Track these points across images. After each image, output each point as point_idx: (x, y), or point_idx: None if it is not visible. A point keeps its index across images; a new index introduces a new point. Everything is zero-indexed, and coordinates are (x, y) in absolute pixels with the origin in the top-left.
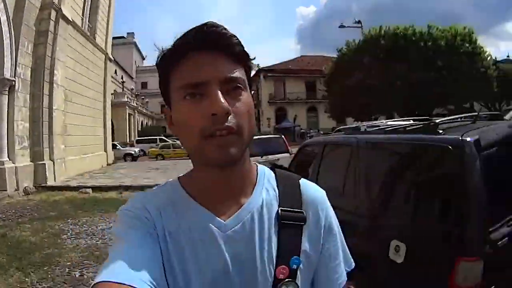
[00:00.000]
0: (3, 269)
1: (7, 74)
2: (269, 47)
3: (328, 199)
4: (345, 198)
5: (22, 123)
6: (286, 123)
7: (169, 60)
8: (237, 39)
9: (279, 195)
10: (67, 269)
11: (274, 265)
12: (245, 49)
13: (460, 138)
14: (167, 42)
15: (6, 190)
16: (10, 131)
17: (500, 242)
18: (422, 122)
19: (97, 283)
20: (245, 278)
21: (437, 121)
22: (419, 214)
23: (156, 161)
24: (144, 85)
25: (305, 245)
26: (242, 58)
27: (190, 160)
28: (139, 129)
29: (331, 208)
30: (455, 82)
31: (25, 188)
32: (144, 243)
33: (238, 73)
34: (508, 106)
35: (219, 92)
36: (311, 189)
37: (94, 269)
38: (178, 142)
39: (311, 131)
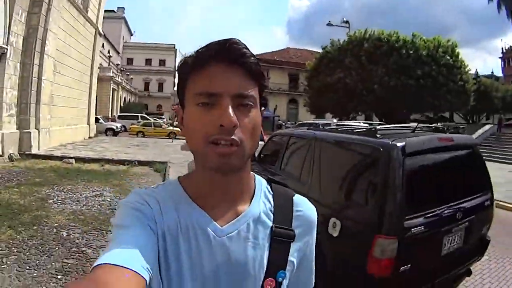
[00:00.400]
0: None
1: (1, 41)
2: (258, 33)
3: (289, 184)
4: (301, 183)
5: (11, 91)
6: (267, 113)
7: (190, 67)
8: (255, 59)
9: (274, 210)
10: (54, 230)
11: (263, 277)
12: (261, 69)
13: (390, 142)
14: (156, 20)
15: None
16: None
17: (414, 228)
18: (370, 127)
19: (97, 265)
20: (234, 283)
21: (377, 127)
22: (353, 198)
23: (136, 138)
24: (130, 61)
25: (291, 259)
26: (257, 77)
27: (169, 140)
28: (122, 105)
29: (315, 228)
30: (432, 92)
31: (10, 154)
32: (142, 233)
33: (251, 91)
34: (486, 119)
35: (230, 106)
36: (303, 206)
37: (79, 231)
38: (159, 121)
39: (288, 122)
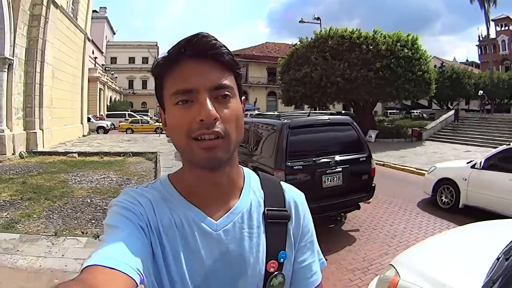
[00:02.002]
0: (36, 200)
1: (7, 53)
2: (242, 27)
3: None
4: (250, 152)
5: (18, 96)
6: (248, 106)
7: (162, 67)
8: (227, 49)
9: (264, 195)
10: (80, 199)
11: (265, 260)
12: (234, 58)
13: (282, 122)
14: (138, 17)
15: (5, 154)
16: (8, 103)
17: (295, 166)
18: (277, 114)
19: (86, 266)
20: (235, 274)
21: (281, 113)
22: (265, 153)
23: (126, 134)
24: (113, 60)
25: (290, 240)
26: (231, 67)
27: (157, 135)
28: (108, 103)
29: (308, 210)
30: (390, 83)
31: (20, 152)
32: (134, 233)
33: (227, 81)
34: (458, 105)
35: (208, 99)
36: (291, 191)
37: (99, 198)
38: (145, 117)
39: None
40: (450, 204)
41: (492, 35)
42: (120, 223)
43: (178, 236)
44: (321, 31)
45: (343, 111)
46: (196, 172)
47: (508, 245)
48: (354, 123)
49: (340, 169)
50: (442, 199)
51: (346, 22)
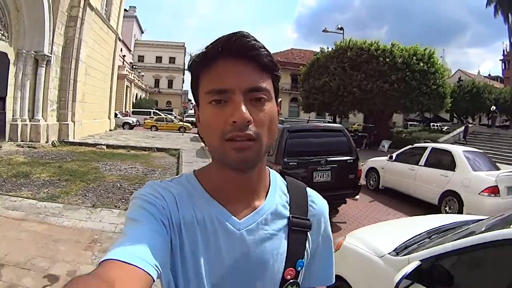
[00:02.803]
0: (72, 181)
1: (46, 51)
2: (268, 31)
3: None
4: None
5: (53, 90)
6: None
7: (199, 65)
8: (266, 50)
9: (290, 202)
10: (111, 183)
11: (283, 267)
12: (273, 60)
13: (284, 126)
14: (166, 17)
15: (39, 142)
16: (44, 96)
17: (291, 163)
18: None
19: (103, 260)
20: (254, 275)
21: (284, 119)
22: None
23: (150, 131)
24: (141, 58)
25: (308, 249)
26: (270, 69)
27: (180, 134)
28: (134, 101)
29: (329, 221)
30: (404, 95)
31: (53, 141)
32: (154, 227)
33: (264, 83)
34: (467, 121)
35: (242, 101)
36: (316, 198)
37: (127, 183)
38: (170, 116)
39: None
40: (374, 186)
41: None
42: (142, 216)
43: (199, 233)
44: (341, 42)
45: (363, 124)
46: (225, 171)
47: (435, 227)
48: (345, 131)
49: (329, 167)
50: (370, 183)
51: (374, 30)
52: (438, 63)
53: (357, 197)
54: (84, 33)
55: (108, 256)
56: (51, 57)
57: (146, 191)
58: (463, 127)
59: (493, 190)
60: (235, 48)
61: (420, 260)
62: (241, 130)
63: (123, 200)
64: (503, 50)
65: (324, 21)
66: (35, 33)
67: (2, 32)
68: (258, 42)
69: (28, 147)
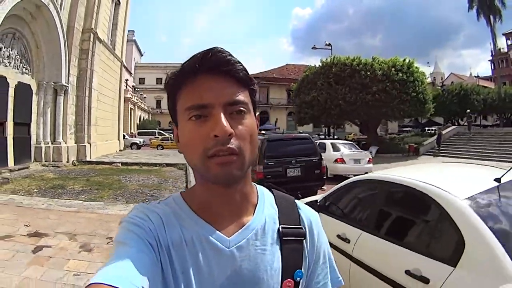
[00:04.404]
0: (102, 189)
1: (64, 81)
2: (264, 45)
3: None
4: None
5: (71, 116)
6: (268, 125)
7: (176, 82)
8: (241, 64)
9: (279, 213)
10: (133, 190)
11: (280, 279)
12: (248, 74)
13: (264, 137)
14: (163, 35)
15: (62, 161)
16: (64, 121)
17: (269, 163)
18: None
19: (90, 284)
20: None
21: (264, 132)
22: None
23: (157, 150)
24: (141, 80)
25: (305, 259)
26: (246, 83)
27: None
28: (138, 122)
29: (323, 230)
30: (386, 104)
31: (73, 161)
32: (142, 249)
33: (242, 96)
34: (467, 120)
35: (222, 115)
36: (306, 209)
37: (147, 190)
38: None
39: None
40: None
41: (505, 49)
42: (129, 239)
43: (188, 254)
44: (327, 59)
45: (359, 133)
46: (209, 188)
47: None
48: (311, 138)
49: (299, 165)
50: None
51: (369, 38)
52: (418, 71)
53: (325, 187)
54: (94, 63)
55: (95, 280)
56: (68, 86)
57: (133, 214)
58: (450, 128)
59: (341, 161)
60: (211, 64)
61: (318, 200)
62: (223, 144)
63: (147, 200)
64: (491, 51)
65: (318, 33)
66: (53, 66)
67: (25, 67)
68: (233, 57)
69: (53, 166)
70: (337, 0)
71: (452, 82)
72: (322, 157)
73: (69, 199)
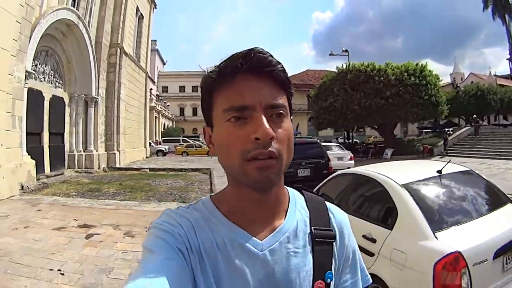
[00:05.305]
0: (134, 192)
1: (94, 93)
2: (286, 50)
3: None
4: None
5: (101, 125)
6: None
7: (214, 82)
8: (282, 66)
9: (310, 214)
10: (163, 192)
11: (311, 281)
12: (288, 76)
13: None
14: (184, 43)
15: (93, 168)
16: (95, 131)
17: None
18: None
19: None
20: None
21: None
22: None
23: (182, 157)
24: (164, 89)
25: (334, 260)
26: (285, 85)
27: (209, 157)
28: (162, 130)
29: (351, 231)
30: (399, 108)
31: (103, 167)
32: (171, 257)
33: (281, 100)
34: (474, 124)
35: (264, 118)
36: (336, 211)
37: (176, 191)
38: (198, 142)
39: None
40: None
41: None
42: (158, 246)
43: (220, 258)
44: (342, 65)
45: (379, 136)
46: (243, 192)
47: None
48: (319, 143)
49: (308, 167)
50: None
51: (390, 40)
52: (431, 75)
53: None
54: (122, 76)
55: None
56: (97, 98)
57: (162, 220)
58: (464, 129)
59: (329, 159)
60: (254, 64)
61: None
62: (264, 147)
63: (176, 200)
64: (509, 50)
65: (339, 36)
66: (83, 79)
67: (58, 81)
68: (274, 58)
69: (85, 172)
70: (356, 3)
71: (471, 82)
72: (330, 159)
73: (107, 200)
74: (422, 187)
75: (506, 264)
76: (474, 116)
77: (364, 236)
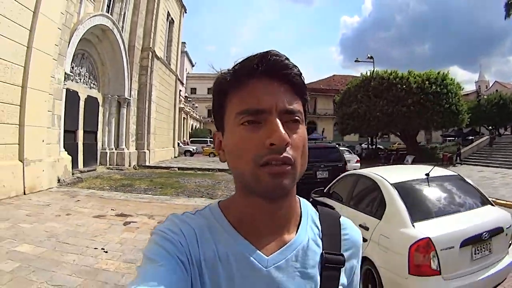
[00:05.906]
0: (165, 188)
1: (126, 94)
2: (312, 54)
3: None
4: None
5: (132, 125)
6: (315, 135)
7: (229, 84)
8: (298, 70)
9: (322, 235)
10: (192, 189)
11: None
12: (304, 81)
13: None
14: (211, 44)
15: (124, 165)
16: (126, 130)
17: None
18: None
19: None
20: None
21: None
22: None
23: (209, 157)
24: (193, 90)
25: (340, 284)
26: (301, 90)
27: None
28: (190, 131)
29: (361, 250)
30: (419, 115)
31: (134, 165)
32: (171, 268)
33: (297, 106)
34: (490, 136)
35: (279, 122)
36: (349, 229)
37: (203, 189)
38: None
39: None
40: None
41: None
42: (158, 256)
43: (221, 271)
44: (366, 73)
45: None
46: (253, 201)
47: None
48: (337, 147)
49: (327, 169)
50: None
51: (417, 46)
52: (453, 83)
53: None
54: (153, 78)
55: None
56: (130, 99)
57: (165, 227)
58: (483, 138)
59: (346, 163)
60: (270, 67)
61: (323, 189)
62: (278, 153)
63: (204, 196)
64: None
65: (367, 41)
66: (117, 81)
67: (93, 82)
68: (290, 61)
69: (116, 169)
70: (384, 8)
71: (496, 90)
72: (347, 163)
73: (140, 194)
74: (409, 186)
75: (475, 254)
76: (491, 127)
77: (360, 225)
